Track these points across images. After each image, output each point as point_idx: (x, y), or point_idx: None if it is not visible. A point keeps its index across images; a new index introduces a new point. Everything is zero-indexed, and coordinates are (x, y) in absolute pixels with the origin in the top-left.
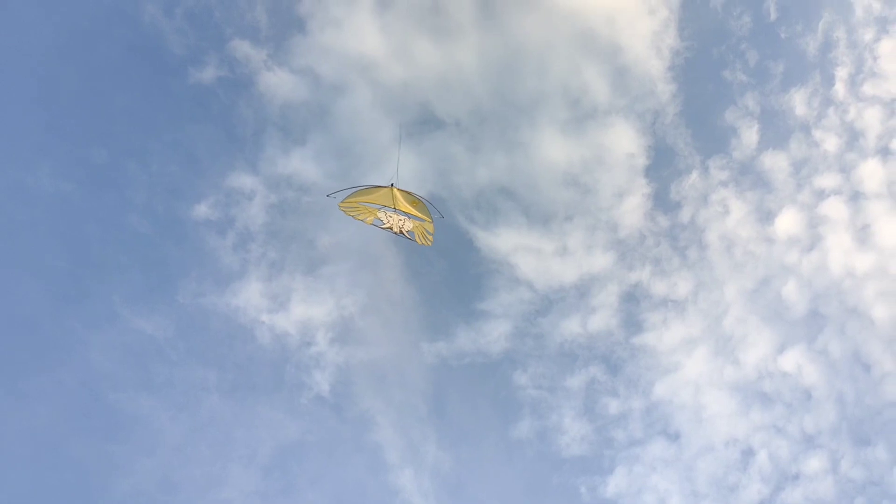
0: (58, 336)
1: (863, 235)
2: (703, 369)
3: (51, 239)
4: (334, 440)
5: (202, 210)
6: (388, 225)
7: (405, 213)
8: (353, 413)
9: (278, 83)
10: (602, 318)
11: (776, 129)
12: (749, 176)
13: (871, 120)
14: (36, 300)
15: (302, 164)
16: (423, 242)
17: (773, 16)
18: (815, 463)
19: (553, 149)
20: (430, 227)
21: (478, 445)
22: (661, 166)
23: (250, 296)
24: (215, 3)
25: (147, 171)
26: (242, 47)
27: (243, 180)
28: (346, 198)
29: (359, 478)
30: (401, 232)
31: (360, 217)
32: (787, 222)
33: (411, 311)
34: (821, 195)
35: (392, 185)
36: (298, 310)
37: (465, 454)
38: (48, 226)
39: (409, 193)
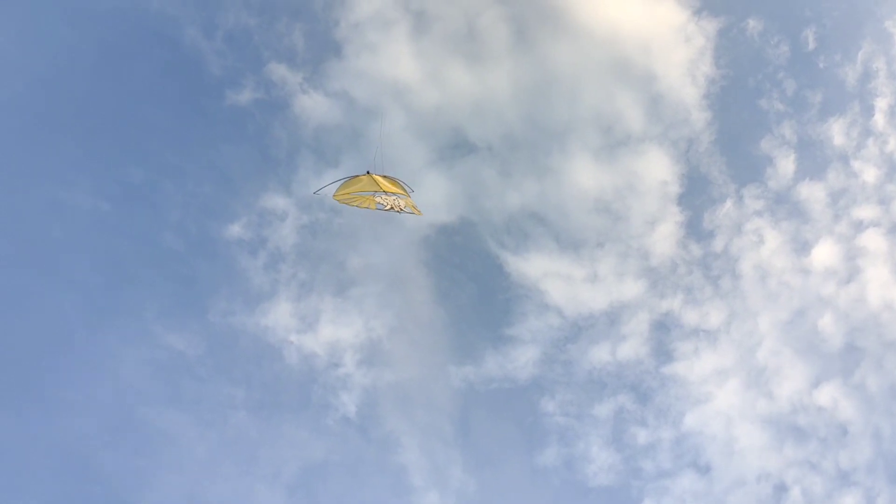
0: (91, 350)
1: None
2: (734, 401)
3: (86, 255)
4: (359, 461)
5: (235, 230)
6: (388, 207)
7: (392, 194)
8: (379, 434)
9: (313, 106)
10: (632, 346)
11: (813, 159)
12: (785, 206)
13: None
14: (70, 314)
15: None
16: (418, 213)
17: (811, 45)
18: (850, 500)
19: (585, 175)
20: (411, 201)
21: (503, 471)
22: (695, 194)
23: (279, 316)
24: (254, 27)
25: (182, 190)
26: (279, 70)
27: (276, 201)
28: (336, 191)
29: (383, 499)
30: (401, 210)
31: (363, 206)
32: (824, 253)
33: (439, 335)
34: (859, 226)
35: (368, 172)
36: (327, 331)
37: (490, 479)
38: (84, 242)
39: (385, 176)
